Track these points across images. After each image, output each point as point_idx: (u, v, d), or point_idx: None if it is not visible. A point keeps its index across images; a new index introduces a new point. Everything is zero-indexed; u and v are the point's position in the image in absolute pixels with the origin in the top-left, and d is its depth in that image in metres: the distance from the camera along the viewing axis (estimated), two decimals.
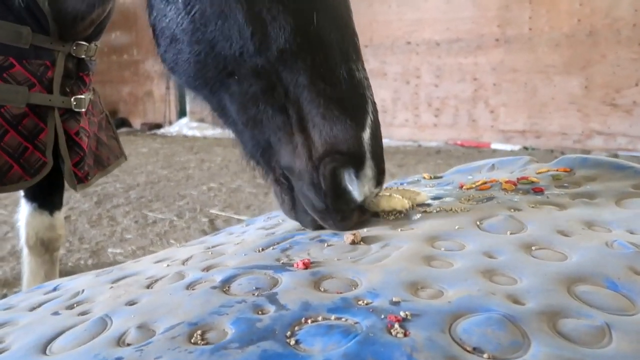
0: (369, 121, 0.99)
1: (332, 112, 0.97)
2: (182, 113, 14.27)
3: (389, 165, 7.52)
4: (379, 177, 1.02)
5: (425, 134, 11.31)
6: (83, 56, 1.67)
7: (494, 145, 10.42)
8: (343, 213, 1.01)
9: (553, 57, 9.92)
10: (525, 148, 10.10)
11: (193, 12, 1.04)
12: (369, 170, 0.98)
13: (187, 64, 1.09)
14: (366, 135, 0.98)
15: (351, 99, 0.99)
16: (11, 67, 1.51)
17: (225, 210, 4.58)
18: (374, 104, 1.03)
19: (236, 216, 4.34)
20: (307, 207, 1.05)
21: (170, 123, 14.38)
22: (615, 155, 8.95)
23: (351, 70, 1.00)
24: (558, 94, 9.92)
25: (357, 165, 0.97)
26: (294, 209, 1.10)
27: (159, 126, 14.46)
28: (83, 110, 1.72)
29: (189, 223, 4.14)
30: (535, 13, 10.06)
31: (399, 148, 10.28)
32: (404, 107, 11.58)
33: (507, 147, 10.21)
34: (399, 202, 1.15)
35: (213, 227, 4.03)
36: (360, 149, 0.97)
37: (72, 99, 1.66)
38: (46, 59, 1.56)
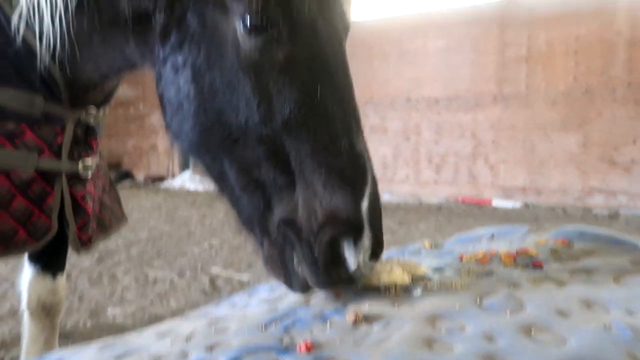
0: (368, 192, 1.02)
1: (333, 182, 1.00)
2: (185, 166, 14.42)
3: (390, 222, 7.54)
4: (376, 249, 1.03)
5: (426, 190, 11.37)
6: (92, 122, 1.70)
7: (495, 202, 10.45)
8: (332, 280, 1.02)
9: (550, 115, 10.12)
10: (527, 205, 10.12)
11: (202, 83, 1.10)
12: (366, 240, 0.99)
13: (192, 132, 1.14)
14: (365, 205, 1.00)
15: (352, 170, 1.02)
16: (22, 133, 1.55)
17: (226, 268, 4.56)
18: (373, 176, 1.06)
19: (237, 276, 4.31)
20: (302, 262, 1.05)
21: (173, 176, 14.51)
22: (617, 214, 8.96)
23: (352, 143, 1.04)
24: (556, 150, 10.06)
25: (355, 235, 0.99)
26: (285, 271, 1.11)
27: (162, 179, 14.58)
28: (90, 174, 1.75)
29: (190, 282, 4.12)
30: (532, 71, 10.35)
31: (399, 204, 10.32)
32: (404, 163, 11.71)
33: (508, 203, 10.23)
34: (400, 276, 1.16)
35: (214, 287, 4.00)
36: (358, 219, 0.99)
37: (79, 164, 1.69)
38: (56, 125, 1.60)
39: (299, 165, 1.03)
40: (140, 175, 15.33)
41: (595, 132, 9.69)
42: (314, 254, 1.01)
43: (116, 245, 5.48)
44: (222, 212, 7.99)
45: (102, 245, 5.30)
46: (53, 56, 1.43)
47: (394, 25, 11.82)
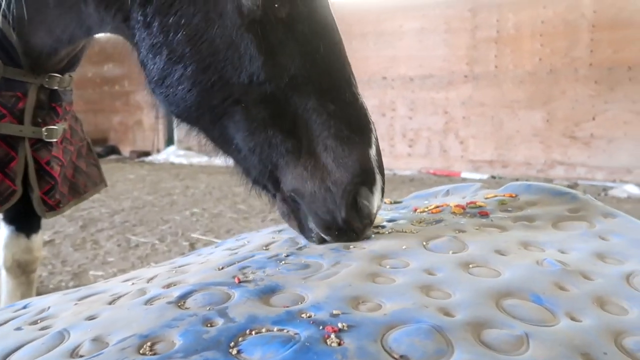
0: (373, 139, 1.05)
1: (343, 133, 1.01)
2: (169, 141, 14.23)
3: None
4: (384, 189, 1.06)
5: (400, 163, 11.44)
6: (56, 87, 1.64)
7: (464, 174, 10.57)
8: (361, 230, 1.04)
9: (517, 93, 10.21)
10: (493, 177, 10.26)
11: (200, 43, 1.03)
12: (379, 184, 1.03)
13: (189, 94, 1.06)
14: (373, 152, 1.03)
15: (358, 120, 1.04)
16: None
17: (206, 234, 4.55)
18: (373, 123, 1.09)
19: (216, 240, 4.31)
20: (318, 227, 1.05)
21: (158, 151, 14.32)
22: (576, 184, 9.15)
23: (354, 94, 1.05)
24: (522, 127, 10.18)
25: (371, 182, 1.01)
26: (301, 226, 1.10)
27: (147, 154, 14.37)
28: (55, 140, 1.69)
29: (170, 247, 4.10)
30: (501, 52, 10.38)
31: None
32: (380, 137, 11.62)
33: (476, 175, 10.36)
34: None
35: (193, 250, 4.00)
36: (371, 166, 1.02)
37: (43, 130, 1.62)
38: (18, 91, 1.54)
39: (307, 121, 1.01)
40: (126, 151, 15.08)
41: (558, 110, 9.82)
42: (330, 206, 1.01)
43: (100, 214, 5.41)
44: (204, 184, 7.94)
45: (86, 214, 5.23)
46: (5, 17, 1.34)
47: (372, 6, 11.68)
